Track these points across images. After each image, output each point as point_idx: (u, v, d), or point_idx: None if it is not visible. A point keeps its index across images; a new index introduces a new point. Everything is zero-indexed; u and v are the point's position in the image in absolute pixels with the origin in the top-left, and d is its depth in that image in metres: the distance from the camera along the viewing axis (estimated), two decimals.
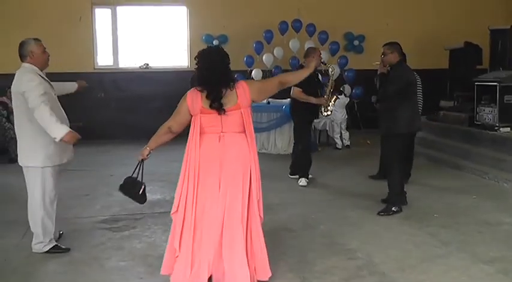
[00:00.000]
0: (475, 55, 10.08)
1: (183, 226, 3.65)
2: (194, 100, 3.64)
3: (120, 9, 11.77)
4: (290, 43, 11.36)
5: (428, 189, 6.87)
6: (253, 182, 3.71)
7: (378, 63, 6.13)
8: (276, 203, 6.19)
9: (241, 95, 3.65)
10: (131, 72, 11.77)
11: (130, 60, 12.02)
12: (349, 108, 10.89)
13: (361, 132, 11.41)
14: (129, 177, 3.98)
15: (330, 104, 7.03)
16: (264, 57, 11.40)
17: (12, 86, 4.46)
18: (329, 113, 7.15)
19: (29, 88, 4.32)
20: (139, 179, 3.93)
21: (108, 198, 6.44)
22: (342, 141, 10.19)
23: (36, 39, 4.62)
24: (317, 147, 9.71)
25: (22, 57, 4.55)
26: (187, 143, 3.71)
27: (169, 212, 3.81)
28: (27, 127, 4.48)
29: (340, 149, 10.11)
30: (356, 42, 12.23)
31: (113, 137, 11.05)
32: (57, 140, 4.31)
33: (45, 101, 4.30)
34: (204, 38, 11.64)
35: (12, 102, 4.60)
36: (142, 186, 3.96)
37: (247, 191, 3.68)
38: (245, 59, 11.37)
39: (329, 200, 6.50)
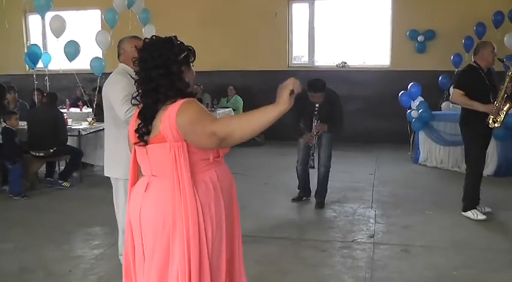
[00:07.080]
0: None
1: None
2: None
3: (318, 4, 11.10)
4: (505, 38, 9.21)
5: None
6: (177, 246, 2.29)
7: None
8: (420, 244, 4.86)
9: (165, 120, 2.26)
10: (327, 70, 10.96)
11: (327, 58, 11.31)
12: None
13: None
14: None
15: (501, 113, 5.29)
16: None
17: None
18: (498, 124, 5.36)
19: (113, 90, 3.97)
20: None
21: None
22: None
23: (133, 37, 4.15)
24: None
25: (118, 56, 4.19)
26: None
27: None
28: (112, 133, 4.13)
29: None
30: None
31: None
32: None
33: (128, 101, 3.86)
34: (408, 33, 10.40)
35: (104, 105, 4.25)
36: None
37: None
38: (452, 57, 9.70)
39: (498, 251, 4.72)
